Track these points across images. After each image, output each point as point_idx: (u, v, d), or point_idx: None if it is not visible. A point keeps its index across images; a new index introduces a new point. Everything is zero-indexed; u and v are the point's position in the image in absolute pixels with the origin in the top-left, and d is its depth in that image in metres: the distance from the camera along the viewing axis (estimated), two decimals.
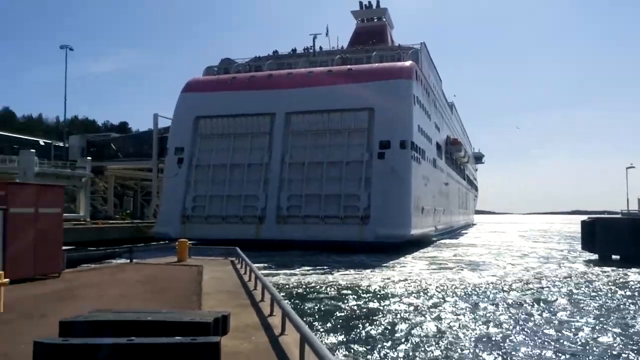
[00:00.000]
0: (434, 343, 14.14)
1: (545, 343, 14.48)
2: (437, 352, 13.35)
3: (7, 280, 11.41)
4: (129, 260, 23.72)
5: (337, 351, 13.06)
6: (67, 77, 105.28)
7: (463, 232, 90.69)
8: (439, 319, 17.29)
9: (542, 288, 24.74)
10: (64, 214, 18.54)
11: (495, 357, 13.04)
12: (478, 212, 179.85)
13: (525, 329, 16.11)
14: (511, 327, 16.36)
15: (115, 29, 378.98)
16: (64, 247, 18.05)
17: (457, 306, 19.70)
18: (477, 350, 13.55)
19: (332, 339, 14.24)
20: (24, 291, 13.88)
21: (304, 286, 24.15)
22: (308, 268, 31.26)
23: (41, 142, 73.95)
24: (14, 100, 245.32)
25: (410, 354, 13.17)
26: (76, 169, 59.35)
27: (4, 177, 50.24)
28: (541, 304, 20.39)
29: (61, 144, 72.35)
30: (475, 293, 22.94)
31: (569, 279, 28.23)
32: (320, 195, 46.41)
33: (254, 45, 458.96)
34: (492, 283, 25.99)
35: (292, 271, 29.58)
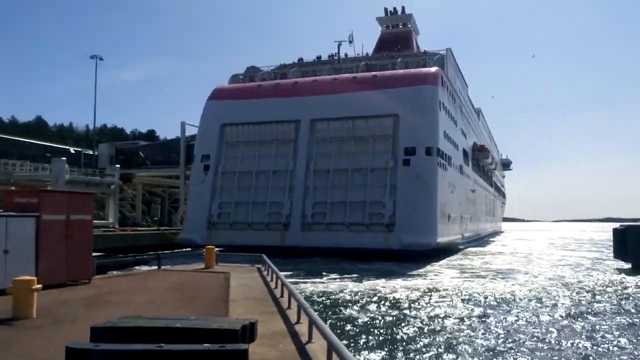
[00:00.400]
0: (468, 356, 13.87)
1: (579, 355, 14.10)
2: None
3: (40, 286, 11.64)
4: (157, 267, 24.00)
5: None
6: (95, 86, 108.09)
7: (491, 240, 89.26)
8: (473, 330, 16.96)
9: (574, 297, 24.12)
10: (94, 221, 18.84)
11: None
12: (506, 220, 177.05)
13: (558, 340, 15.70)
14: (544, 338, 15.98)
15: (141, 38, 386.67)
16: (93, 254, 18.36)
17: (494, 317, 19.29)
18: None
19: (360, 347, 14.10)
20: (56, 297, 14.14)
21: (331, 294, 24.00)
22: (335, 276, 31.08)
23: (72, 150, 75.90)
24: (46, 109, 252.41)
25: None
26: (105, 176, 60.65)
27: (37, 185, 51.64)
28: (573, 314, 19.86)
29: (91, 152, 74.06)
30: (510, 303, 22.49)
31: (600, 288, 27.46)
32: (345, 202, 46.23)
33: (279, 53, 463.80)
34: (525, 292, 25.47)
35: (320, 279, 29.45)
